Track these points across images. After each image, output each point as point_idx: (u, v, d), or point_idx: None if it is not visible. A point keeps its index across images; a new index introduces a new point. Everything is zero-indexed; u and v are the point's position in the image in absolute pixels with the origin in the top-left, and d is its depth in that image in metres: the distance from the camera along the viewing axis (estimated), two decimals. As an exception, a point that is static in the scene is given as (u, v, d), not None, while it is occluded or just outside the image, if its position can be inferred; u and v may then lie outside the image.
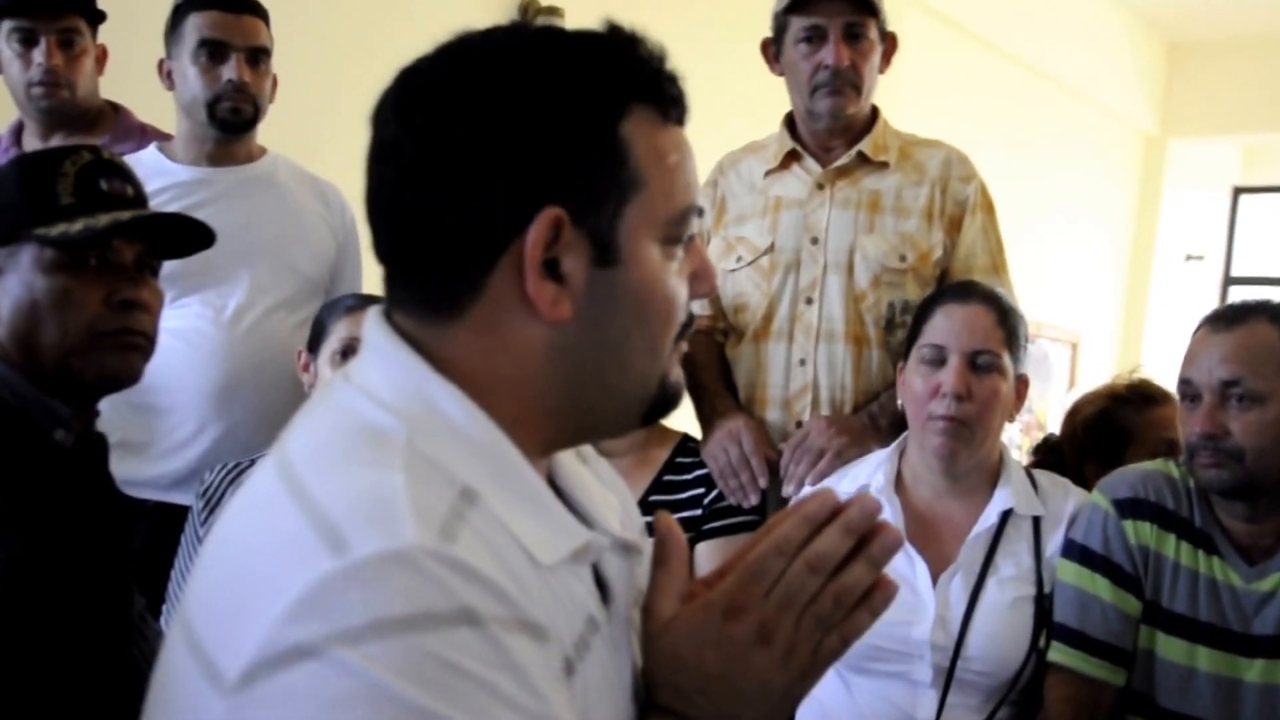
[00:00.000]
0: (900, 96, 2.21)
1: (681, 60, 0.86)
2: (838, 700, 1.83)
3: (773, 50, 2.23)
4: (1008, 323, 1.84)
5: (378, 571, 0.68)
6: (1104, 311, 7.11)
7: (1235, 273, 8.08)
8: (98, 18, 2.49)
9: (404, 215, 0.82)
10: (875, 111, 2.25)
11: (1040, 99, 6.20)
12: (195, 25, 2.25)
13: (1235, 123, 7.26)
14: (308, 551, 0.69)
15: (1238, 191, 8.16)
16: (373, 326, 0.85)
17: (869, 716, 1.79)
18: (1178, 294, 7.49)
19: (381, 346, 0.83)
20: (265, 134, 2.39)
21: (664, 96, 0.84)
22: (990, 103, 5.72)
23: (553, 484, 0.89)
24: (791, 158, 2.24)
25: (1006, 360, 1.82)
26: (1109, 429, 2.40)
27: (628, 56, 0.83)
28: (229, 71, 2.25)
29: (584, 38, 0.83)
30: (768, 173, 2.26)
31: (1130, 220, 7.37)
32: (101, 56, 2.51)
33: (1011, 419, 1.88)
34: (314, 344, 2.10)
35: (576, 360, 0.82)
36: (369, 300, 2.08)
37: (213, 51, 2.24)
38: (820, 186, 2.20)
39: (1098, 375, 6.85)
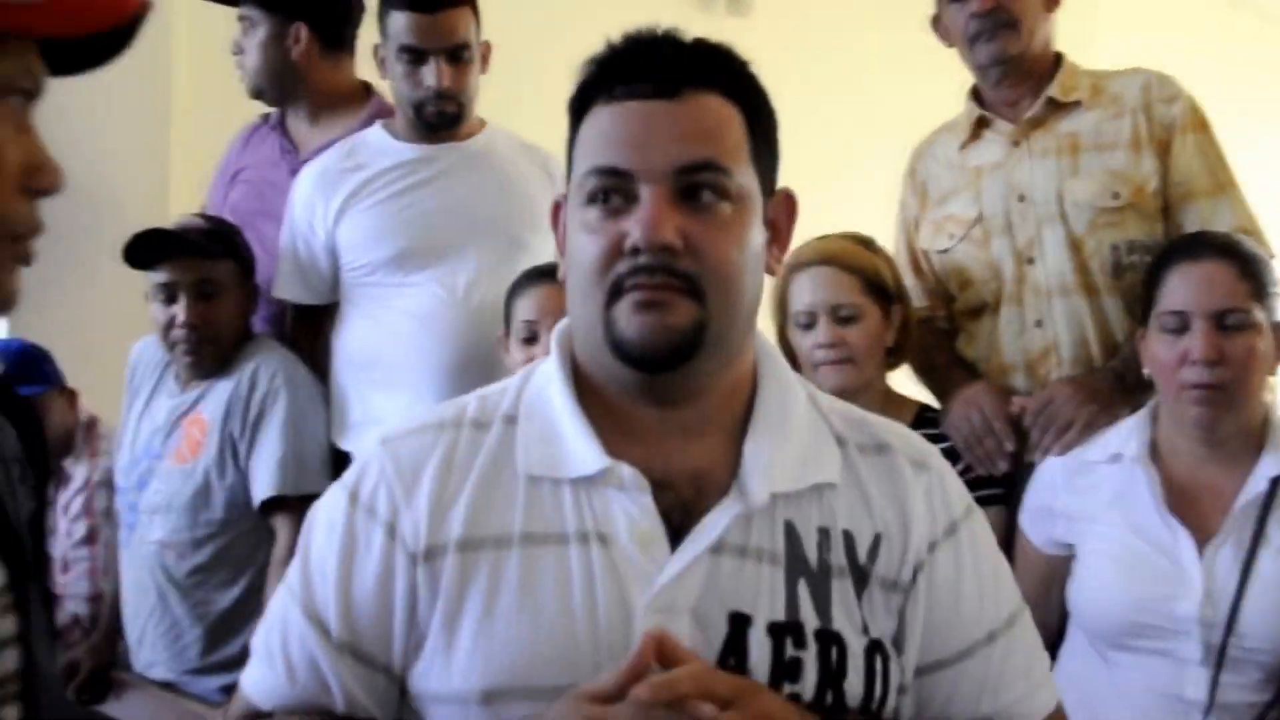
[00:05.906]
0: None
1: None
2: (1097, 678, 1.75)
3: (941, 25, 2.19)
4: (1251, 271, 1.71)
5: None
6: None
7: None
8: None
9: None
10: (1059, 56, 2.16)
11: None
12: (395, 26, 2.23)
13: None
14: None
15: None
16: None
17: (1131, 696, 1.71)
18: None
19: None
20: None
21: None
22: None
23: None
24: (981, 125, 2.18)
25: (1258, 314, 1.70)
26: None
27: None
28: (429, 77, 2.22)
29: None
30: (962, 146, 2.20)
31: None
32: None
33: (1273, 373, 1.74)
34: (507, 326, 2.09)
35: None
36: (542, 274, 2.04)
37: (411, 57, 2.22)
38: (1016, 143, 2.13)
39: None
